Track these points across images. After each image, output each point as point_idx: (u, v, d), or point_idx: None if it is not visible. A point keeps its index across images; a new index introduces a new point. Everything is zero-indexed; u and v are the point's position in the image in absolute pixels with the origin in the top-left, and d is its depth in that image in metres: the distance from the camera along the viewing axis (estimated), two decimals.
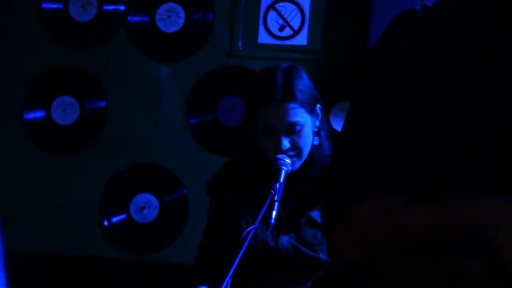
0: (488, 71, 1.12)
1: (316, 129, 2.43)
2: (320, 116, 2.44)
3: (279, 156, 2.33)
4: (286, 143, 2.34)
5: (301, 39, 3.58)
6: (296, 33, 3.58)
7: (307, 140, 2.38)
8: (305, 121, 2.37)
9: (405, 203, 1.12)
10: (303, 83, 2.40)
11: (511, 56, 1.12)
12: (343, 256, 1.16)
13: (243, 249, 2.01)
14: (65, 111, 3.66)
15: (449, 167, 1.11)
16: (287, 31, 3.59)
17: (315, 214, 2.34)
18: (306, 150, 2.39)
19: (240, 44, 3.63)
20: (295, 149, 2.36)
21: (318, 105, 2.43)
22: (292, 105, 2.34)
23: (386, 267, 1.07)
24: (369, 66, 1.22)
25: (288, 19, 3.59)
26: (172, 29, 3.65)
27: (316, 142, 2.43)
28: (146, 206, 3.64)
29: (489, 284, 1.01)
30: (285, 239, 2.36)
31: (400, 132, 1.15)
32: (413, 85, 1.15)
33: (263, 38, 3.61)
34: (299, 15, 3.58)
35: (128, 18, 3.67)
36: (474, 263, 1.03)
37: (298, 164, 2.38)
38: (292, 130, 2.35)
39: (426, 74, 1.14)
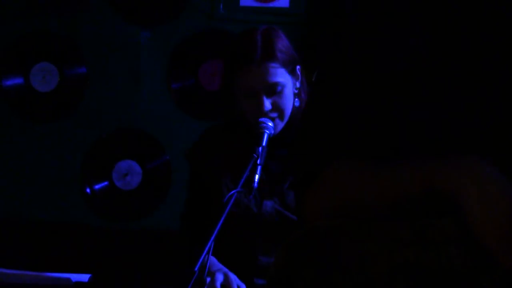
0: None
1: (296, 91, 2.41)
2: (300, 77, 2.42)
3: (262, 119, 2.33)
4: (268, 104, 2.33)
5: (284, 1, 3.57)
6: None
7: (289, 101, 2.37)
8: (286, 81, 2.36)
9: (371, 166, 1.11)
10: (283, 43, 2.38)
11: None
12: (311, 221, 1.16)
13: (225, 213, 2.00)
14: (44, 77, 3.64)
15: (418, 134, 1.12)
16: None
17: None
18: (288, 111, 2.38)
19: (221, 6, 3.60)
20: (277, 110, 2.35)
21: (298, 66, 2.42)
22: (273, 64, 2.33)
23: (353, 232, 1.05)
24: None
25: None
26: None
27: (297, 104, 2.42)
28: (129, 173, 3.65)
29: (457, 248, 0.99)
30: (268, 205, 2.36)
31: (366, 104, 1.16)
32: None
33: (245, 0, 3.59)
34: None
35: None
36: (441, 226, 1.01)
37: (280, 126, 2.37)
38: (274, 90, 2.34)
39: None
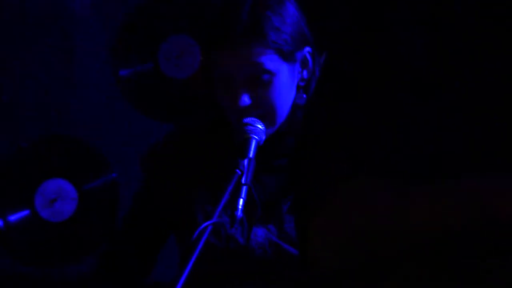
0: None
1: (303, 83, 2.35)
2: (310, 64, 2.34)
3: (247, 119, 2.25)
4: (246, 99, 2.27)
5: None
6: None
7: (282, 97, 2.32)
8: (278, 69, 2.29)
9: (401, 188, 1.12)
10: (282, 16, 2.32)
11: None
12: (321, 263, 1.16)
13: (195, 255, 1.95)
14: None
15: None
16: None
17: None
18: (280, 112, 2.32)
19: None
20: (261, 108, 2.28)
21: (307, 49, 2.33)
22: (258, 45, 2.27)
23: (382, 276, 1.09)
24: None
25: None
26: None
27: (300, 101, 2.36)
28: (58, 197, 3.49)
29: None
30: (260, 233, 2.34)
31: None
32: None
33: None
34: None
35: None
36: (498, 263, 1.03)
37: (270, 130, 2.31)
38: (256, 80, 2.27)
39: None
